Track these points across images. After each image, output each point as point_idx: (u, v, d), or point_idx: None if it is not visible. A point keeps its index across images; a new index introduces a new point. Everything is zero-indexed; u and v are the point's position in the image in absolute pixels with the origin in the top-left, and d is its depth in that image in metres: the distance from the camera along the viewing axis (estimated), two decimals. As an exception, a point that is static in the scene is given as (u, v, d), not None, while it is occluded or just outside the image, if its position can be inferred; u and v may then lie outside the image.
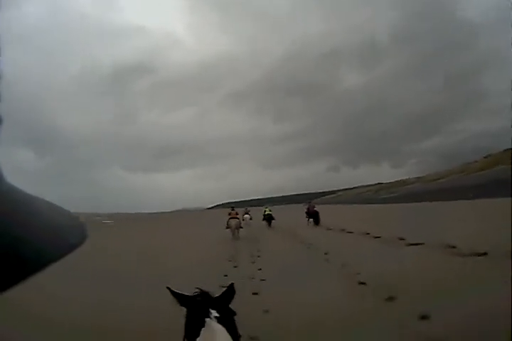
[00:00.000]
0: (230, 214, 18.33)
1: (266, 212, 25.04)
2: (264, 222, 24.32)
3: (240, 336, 1.96)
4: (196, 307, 1.98)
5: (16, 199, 0.46)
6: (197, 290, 2.16)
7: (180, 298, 2.08)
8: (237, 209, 19.52)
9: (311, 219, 22.35)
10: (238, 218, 17.87)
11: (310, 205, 23.55)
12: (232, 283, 2.17)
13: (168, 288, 2.08)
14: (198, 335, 1.75)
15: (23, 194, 0.48)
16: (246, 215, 22.35)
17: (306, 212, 23.33)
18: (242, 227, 18.03)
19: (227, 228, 17.55)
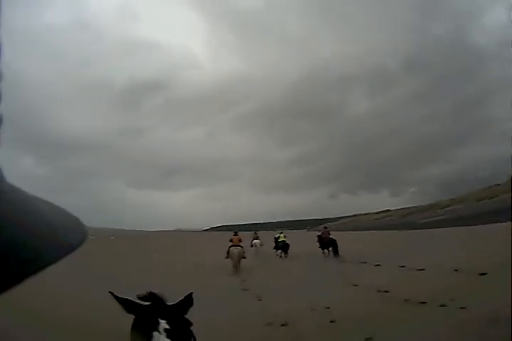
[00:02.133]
0: (231, 240, 15.07)
1: (280, 239, 20.00)
2: (276, 251, 19.83)
3: None
4: (145, 315, 1.80)
5: (16, 199, 0.45)
6: (146, 293, 2.01)
7: (127, 305, 1.89)
8: (243, 233, 17.16)
9: (327, 249, 17.97)
10: (241, 246, 14.47)
11: (325, 231, 18.99)
12: (191, 293, 2.03)
13: (110, 292, 1.90)
14: None
15: (24, 194, 0.47)
16: (256, 241, 20.44)
17: (320, 240, 18.63)
18: (245, 257, 14.54)
19: (227, 257, 14.32)
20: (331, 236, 18.10)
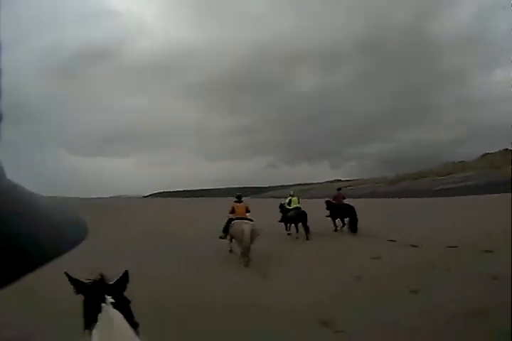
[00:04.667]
0: (233, 210, 9.95)
1: (292, 204, 13.09)
2: (286, 226, 13.17)
3: (137, 324, 1.87)
4: (93, 293, 1.94)
5: (16, 196, 0.45)
6: (94, 277, 2.09)
7: (78, 285, 2.03)
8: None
9: (340, 221, 13.36)
10: (251, 220, 9.26)
11: (338, 195, 14.07)
12: (127, 271, 2.15)
13: (66, 273, 2.02)
14: (96, 321, 1.73)
15: (24, 191, 0.47)
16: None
17: (332, 207, 13.53)
18: (258, 234, 9.20)
19: (224, 237, 9.73)
20: (346, 202, 13.62)
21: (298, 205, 13.00)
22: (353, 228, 12.53)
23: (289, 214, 12.83)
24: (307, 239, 11.75)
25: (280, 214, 13.70)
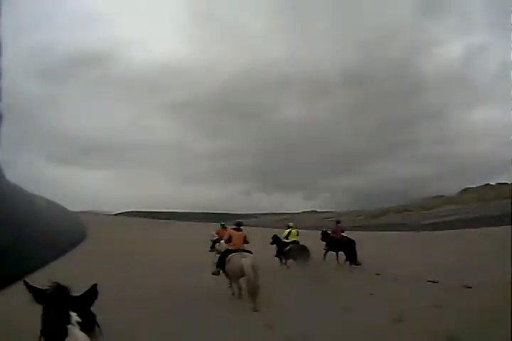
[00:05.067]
0: (229, 238, 8.69)
1: (291, 237, 12.58)
2: (281, 261, 12.49)
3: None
4: (55, 307, 1.78)
5: (15, 197, 0.45)
6: (52, 284, 1.92)
7: (37, 294, 1.88)
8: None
9: (337, 253, 13.00)
10: (250, 253, 8.29)
11: (337, 228, 13.68)
12: (95, 284, 1.98)
13: (24, 281, 1.77)
14: None
15: (23, 192, 0.47)
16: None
17: (329, 240, 13.24)
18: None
19: (217, 274, 8.58)
20: (345, 235, 13.31)
21: (296, 239, 12.52)
22: (354, 260, 12.08)
23: (288, 248, 12.04)
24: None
25: (271, 247, 12.81)
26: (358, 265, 12.03)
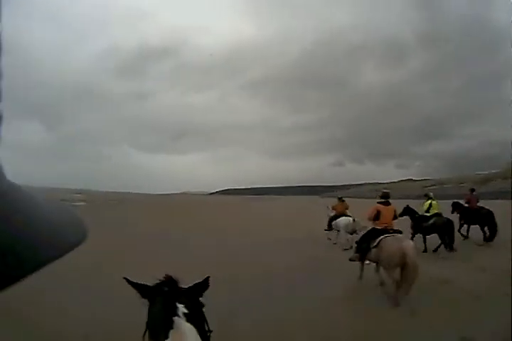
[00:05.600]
0: (377, 214, 6.92)
1: (432, 210, 10.56)
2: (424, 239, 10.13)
3: (210, 331, 1.81)
4: (162, 299, 1.79)
5: (16, 197, 0.45)
6: (162, 278, 1.95)
7: (143, 289, 1.91)
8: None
9: (480, 228, 10.93)
10: (400, 233, 6.68)
11: (472, 197, 11.76)
12: (208, 277, 2.02)
13: (125, 278, 1.92)
14: (166, 337, 1.56)
15: (24, 192, 0.48)
16: (346, 218, 11.16)
17: (465, 212, 11.37)
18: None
19: (358, 260, 7.12)
20: (482, 206, 11.33)
21: (439, 211, 10.50)
22: (491, 236, 10.54)
23: (431, 222, 10.11)
24: (450, 250, 9.64)
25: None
26: (490, 240, 10.47)
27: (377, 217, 6.88)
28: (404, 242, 6.06)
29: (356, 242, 7.32)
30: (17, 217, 0.42)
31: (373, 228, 6.85)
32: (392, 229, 6.67)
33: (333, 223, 11.43)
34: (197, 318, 1.74)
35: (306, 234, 13.16)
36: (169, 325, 1.61)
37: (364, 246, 6.77)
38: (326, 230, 11.75)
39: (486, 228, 10.76)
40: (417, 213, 10.76)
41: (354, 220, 10.85)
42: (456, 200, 12.07)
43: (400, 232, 6.71)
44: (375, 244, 6.44)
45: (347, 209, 11.72)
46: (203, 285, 1.99)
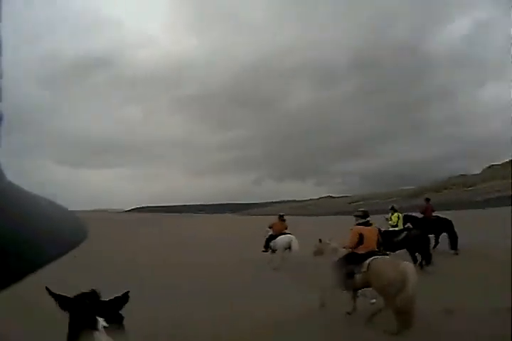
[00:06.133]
0: (361, 238, 6.02)
1: (399, 225, 10.21)
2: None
3: None
4: (82, 312, 1.77)
5: (15, 197, 0.46)
6: (83, 291, 1.92)
7: (63, 301, 1.85)
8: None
9: (435, 237, 10.67)
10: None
11: (428, 206, 11.55)
12: (128, 291, 2.00)
13: (46, 288, 1.87)
14: None
15: (23, 192, 0.48)
16: (287, 236, 10.28)
17: (421, 222, 10.65)
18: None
19: (348, 290, 5.91)
20: (438, 215, 11.21)
21: (398, 222, 9.99)
22: (454, 245, 10.17)
23: (403, 236, 9.25)
24: (424, 265, 8.67)
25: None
26: (455, 249, 10.11)
27: (360, 241, 5.83)
28: (403, 264, 5.15)
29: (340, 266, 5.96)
30: (17, 217, 0.43)
31: (353, 252, 5.85)
32: (377, 252, 5.73)
33: (272, 243, 10.18)
34: (118, 329, 1.70)
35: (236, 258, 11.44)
36: (90, 339, 1.60)
37: (348, 272, 5.66)
38: (263, 251, 10.51)
39: (438, 238, 10.48)
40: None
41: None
42: (406, 213, 11.29)
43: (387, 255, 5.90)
44: (364, 268, 5.34)
45: (286, 228, 10.63)
46: (123, 299, 1.98)
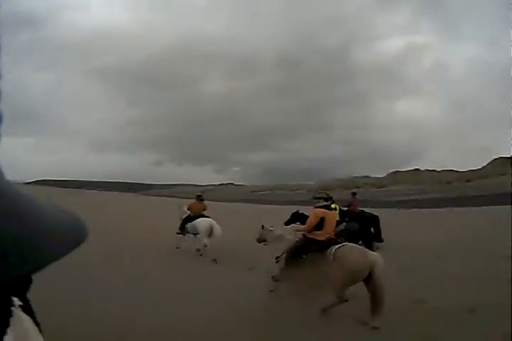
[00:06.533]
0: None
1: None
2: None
3: (39, 324, 1.26)
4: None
5: (16, 198, 0.45)
6: None
7: None
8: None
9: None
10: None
11: (353, 201, 10.85)
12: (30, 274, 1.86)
13: None
14: (7, 325, 1.07)
15: (24, 193, 0.47)
16: (205, 220, 8.98)
17: (348, 216, 9.63)
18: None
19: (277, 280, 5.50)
20: (364, 210, 10.81)
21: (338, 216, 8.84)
22: (379, 238, 9.95)
23: (342, 228, 8.67)
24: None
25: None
26: (381, 242, 9.89)
27: (319, 225, 5.21)
28: (371, 253, 4.71)
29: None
30: (18, 217, 0.42)
31: (310, 238, 5.20)
32: (334, 240, 5.13)
33: (189, 225, 9.20)
34: (29, 311, 1.32)
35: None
36: (9, 314, 2.86)
37: (297, 255, 5.16)
38: (178, 233, 9.51)
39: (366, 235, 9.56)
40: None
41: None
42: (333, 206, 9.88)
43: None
44: (332, 252, 4.72)
45: (205, 210, 9.64)
46: (28, 281, 3.69)
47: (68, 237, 0.53)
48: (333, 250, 4.75)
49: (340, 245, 4.84)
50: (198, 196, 9.95)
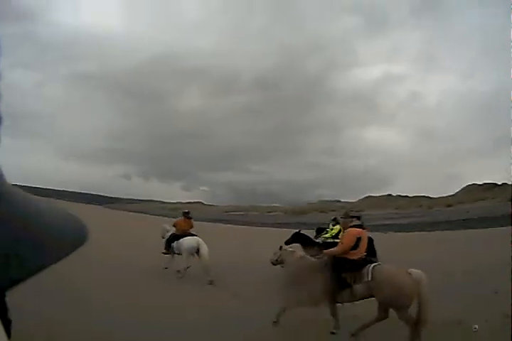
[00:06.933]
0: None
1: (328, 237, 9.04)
2: None
3: (10, 320, 1.64)
4: None
5: (16, 200, 0.45)
6: None
7: None
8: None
9: None
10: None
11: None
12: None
13: None
14: None
15: (24, 195, 0.47)
16: (193, 239, 8.54)
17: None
18: None
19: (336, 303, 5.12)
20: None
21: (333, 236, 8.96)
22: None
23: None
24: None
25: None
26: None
27: (355, 245, 5.07)
28: (414, 272, 4.53)
29: None
30: (18, 219, 0.42)
31: (341, 258, 5.05)
32: (369, 260, 5.16)
33: (175, 244, 8.61)
34: (5, 319, 1.57)
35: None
36: None
37: (336, 283, 4.94)
38: (164, 253, 8.97)
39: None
40: (310, 239, 8.98)
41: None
42: (320, 227, 10.43)
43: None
44: (367, 277, 4.65)
45: (192, 227, 9.09)
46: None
47: (68, 239, 0.51)
48: (369, 270, 4.73)
49: (375, 264, 4.86)
50: (185, 213, 9.35)
